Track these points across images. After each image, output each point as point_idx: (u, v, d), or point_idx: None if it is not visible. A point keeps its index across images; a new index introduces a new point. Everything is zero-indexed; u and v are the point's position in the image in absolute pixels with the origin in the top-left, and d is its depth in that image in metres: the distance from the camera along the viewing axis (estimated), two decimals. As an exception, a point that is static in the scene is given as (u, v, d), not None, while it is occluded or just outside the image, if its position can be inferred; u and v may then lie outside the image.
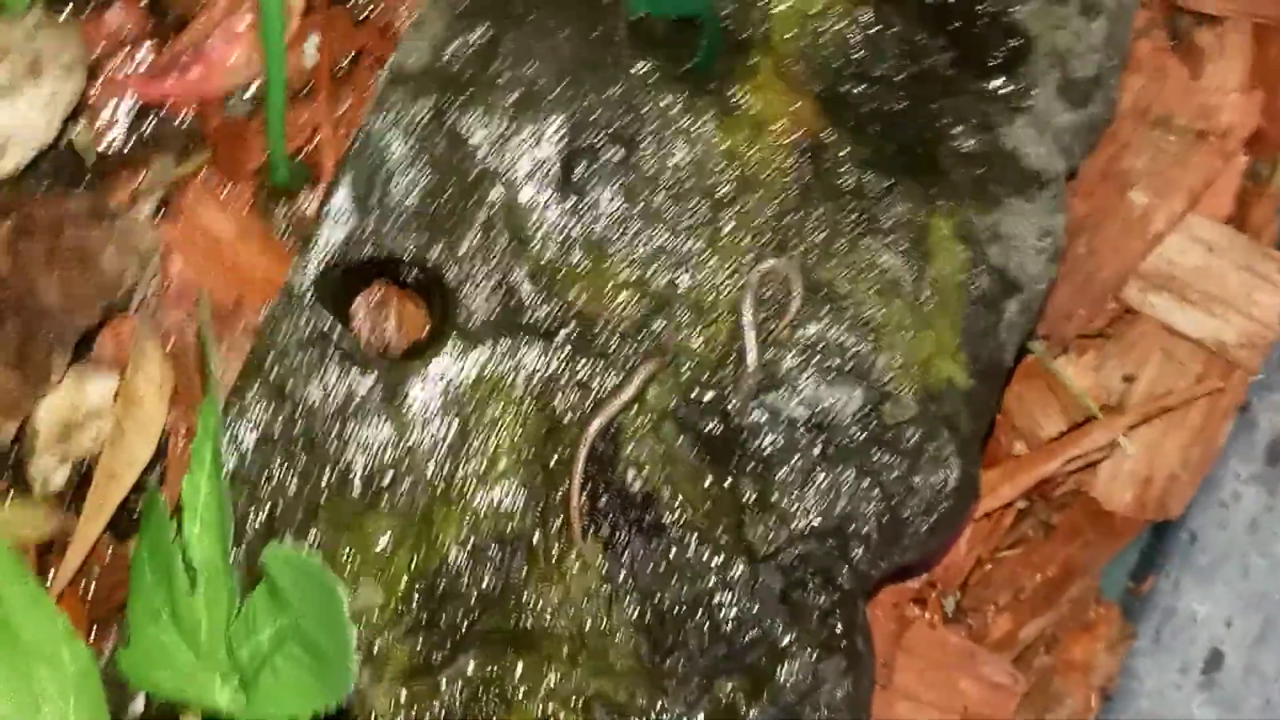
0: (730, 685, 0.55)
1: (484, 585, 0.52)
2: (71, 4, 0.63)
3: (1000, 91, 0.55)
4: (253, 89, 0.65)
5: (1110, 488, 0.66)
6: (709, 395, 0.52)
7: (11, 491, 0.64)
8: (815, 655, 0.55)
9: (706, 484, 0.53)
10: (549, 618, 0.52)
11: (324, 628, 0.45)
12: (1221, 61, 0.66)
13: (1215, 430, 0.64)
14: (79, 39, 0.61)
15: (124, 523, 0.63)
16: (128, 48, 0.64)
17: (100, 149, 0.63)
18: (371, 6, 0.66)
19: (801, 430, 0.53)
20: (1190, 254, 0.65)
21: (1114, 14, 0.59)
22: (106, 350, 0.61)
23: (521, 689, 0.52)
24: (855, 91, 0.55)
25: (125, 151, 0.64)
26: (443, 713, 0.52)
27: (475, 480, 0.52)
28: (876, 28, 0.56)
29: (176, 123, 0.64)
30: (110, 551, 0.64)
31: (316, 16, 0.64)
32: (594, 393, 0.52)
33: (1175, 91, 0.65)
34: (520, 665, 0.52)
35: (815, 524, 0.54)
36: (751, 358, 0.52)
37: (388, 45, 0.63)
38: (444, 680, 0.52)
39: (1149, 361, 0.66)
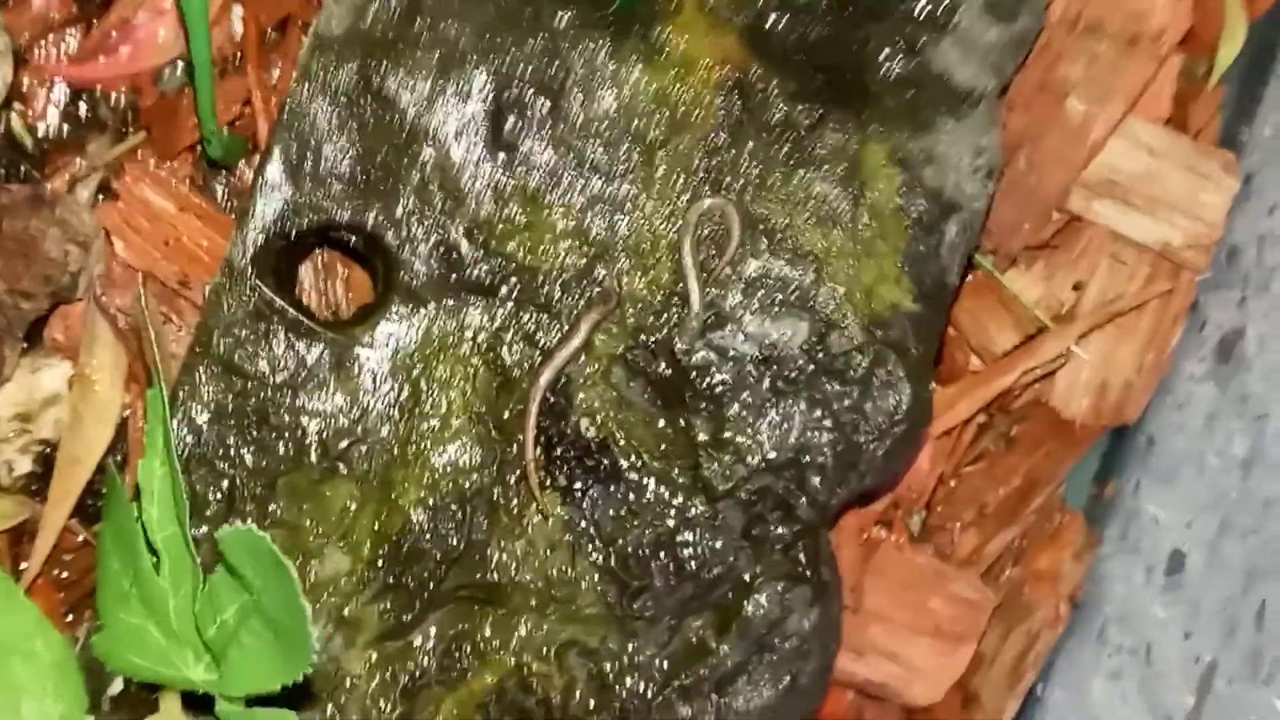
0: (699, 622, 0.54)
1: (448, 543, 0.52)
2: (-7, -9, 0.63)
3: (925, 12, 0.53)
4: (183, 64, 0.64)
5: (1068, 396, 0.66)
6: (656, 338, 0.52)
7: None
8: (781, 586, 0.55)
9: (660, 426, 0.53)
10: (515, 570, 0.52)
11: (282, 605, 0.45)
12: (1151, -37, 0.65)
13: (1167, 333, 0.64)
14: (3, 27, 0.60)
15: (91, 506, 0.64)
16: (55, 32, 0.60)
17: (35, 136, 0.60)
18: (295, -28, 0.65)
19: (750, 366, 0.53)
20: (1132, 159, 0.64)
21: (1037, -76, 0.59)
22: (58, 337, 0.61)
23: (494, 642, 0.53)
24: (779, 23, 0.53)
25: (61, 137, 0.61)
26: (416, 671, 0.52)
27: (430, 440, 0.51)
28: (797, -45, 0.56)
29: (110, 104, 0.61)
30: (80, 536, 0.64)
31: (240, -15, 0.64)
32: (541, 344, 0.51)
33: (1105, -3, 0.64)
34: (490, 619, 0.52)
35: (770, 457, 0.53)
36: (694, 298, 0.52)
37: (315, 10, 0.62)
38: (416, 639, 0.53)
39: (1098, 268, 0.65)
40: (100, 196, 0.62)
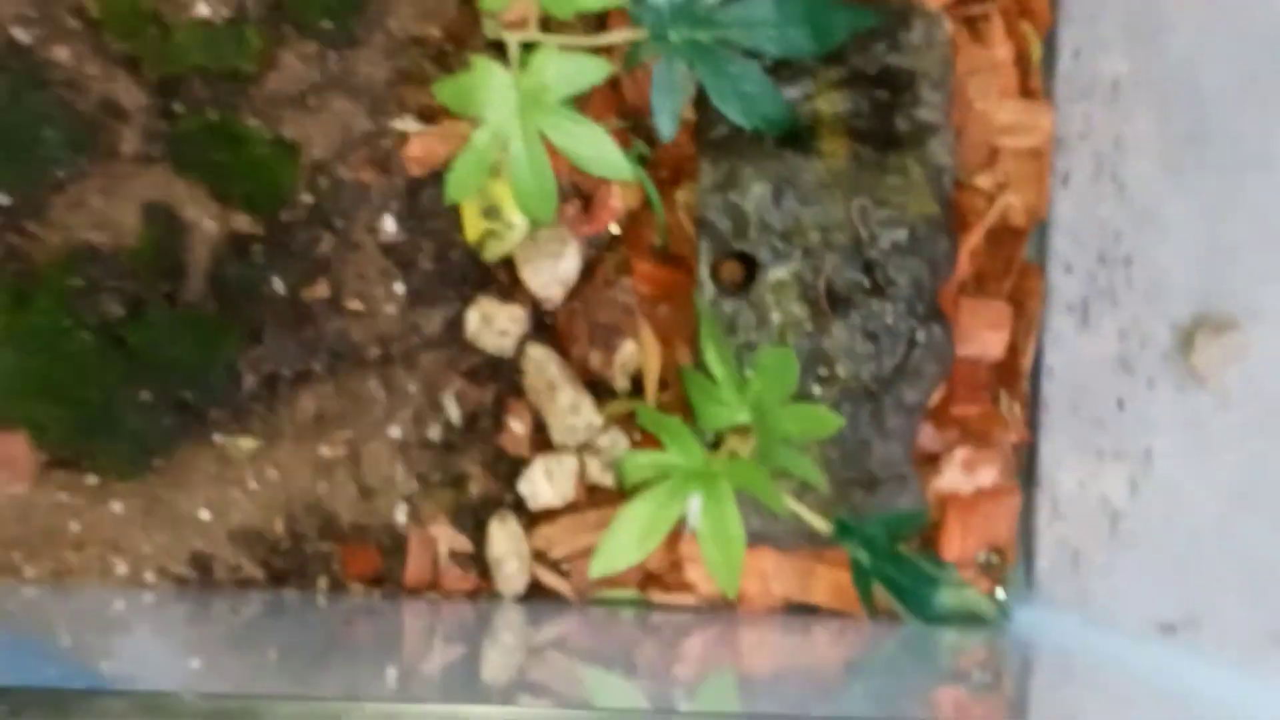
0: (904, 341, 1.09)
1: (804, 347, 1.16)
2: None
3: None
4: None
5: (1015, 219, 1.17)
6: (859, 255, 1.13)
7: (607, 397, 1.15)
8: (929, 327, 1.09)
9: (866, 286, 1.06)
10: (833, 347, 1.19)
11: (782, 373, 1.02)
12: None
13: (1044, 174, 1.18)
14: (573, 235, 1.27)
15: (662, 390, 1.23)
16: (576, 213, 1.28)
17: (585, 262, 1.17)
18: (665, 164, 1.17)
19: (892, 250, 1.06)
20: (1006, 116, 1.23)
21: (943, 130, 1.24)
22: (630, 339, 1.16)
23: (831, 371, 1.31)
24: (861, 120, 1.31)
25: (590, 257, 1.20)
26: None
27: (789, 317, 1.17)
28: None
29: (607, 241, 1.17)
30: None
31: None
32: (822, 269, 1.15)
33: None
34: (818, 367, 1.22)
35: (908, 280, 1.07)
36: (864, 235, 1.12)
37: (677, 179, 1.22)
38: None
39: (1009, 162, 1.17)
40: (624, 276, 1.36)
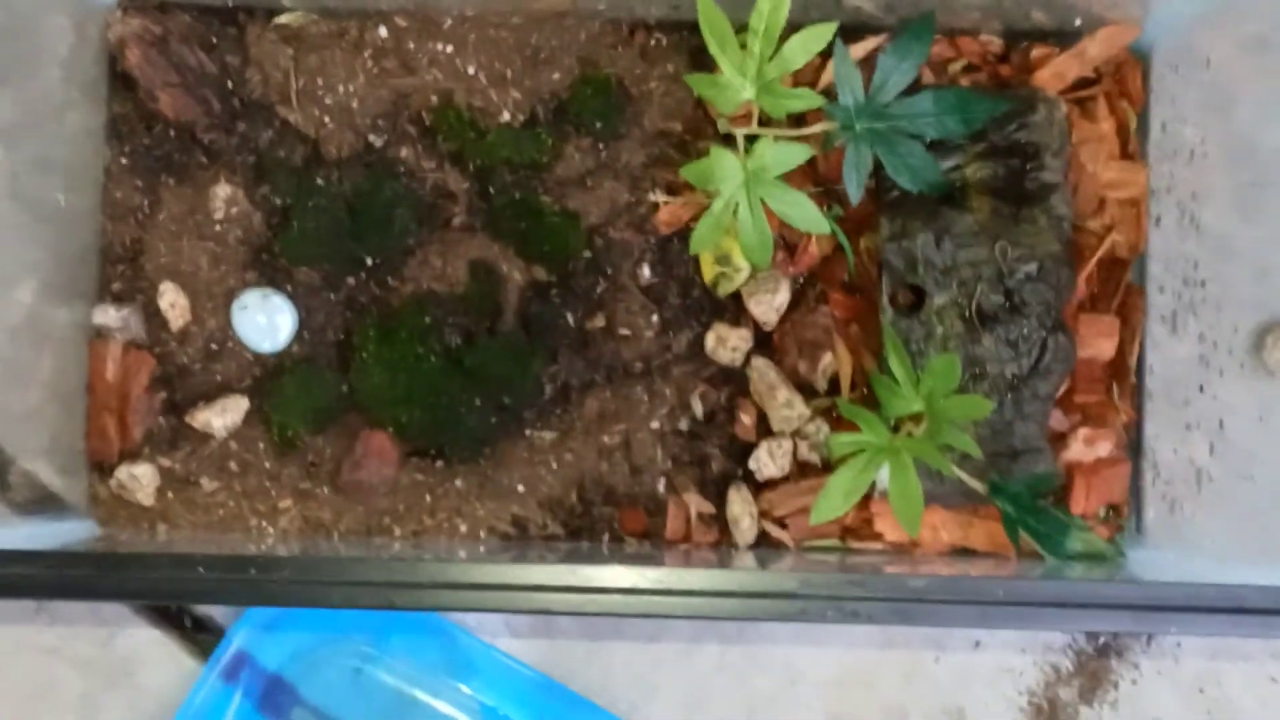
0: (1036, 349, 1.27)
1: (962, 354, 1.43)
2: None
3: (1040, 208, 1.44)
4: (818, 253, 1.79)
5: (1119, 252, 1.34)
6: (1001, 283, 1.23)
7: (811, 395, 1.39)
8: (1056, 335, 1.27)
9: (1006, 305, 1.21)
10: (979, 352, 1.33)
11: (950, 373, 1.24)
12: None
13: (1141, 231, 1.48)
14: (785, 274, 1.79)
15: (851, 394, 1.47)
16: (785, 258, 1.53)
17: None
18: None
19: (1026, 279, 1.23)
20: (1108, 171, 1.37)
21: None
22: (829, 345, 1.56)
23: (978, 370, 1.67)
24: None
25: (796, 297, 1.40)
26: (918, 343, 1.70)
27: (954, 328, 1.43)
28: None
29: (808, 277, 1.37)
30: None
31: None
32: (974, 295, 1.34)
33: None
34: (971, 370, 1.34)
35: (1040, 303, 1.24)
36: (1004, 269, 1.22)
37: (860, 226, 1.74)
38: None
39: (1113, 210, 1.35)
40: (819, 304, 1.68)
